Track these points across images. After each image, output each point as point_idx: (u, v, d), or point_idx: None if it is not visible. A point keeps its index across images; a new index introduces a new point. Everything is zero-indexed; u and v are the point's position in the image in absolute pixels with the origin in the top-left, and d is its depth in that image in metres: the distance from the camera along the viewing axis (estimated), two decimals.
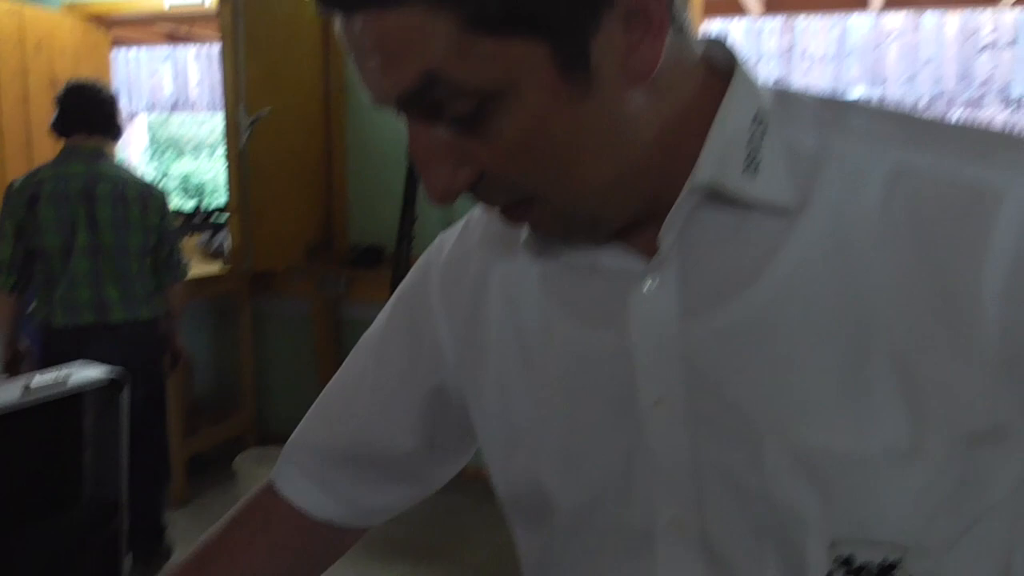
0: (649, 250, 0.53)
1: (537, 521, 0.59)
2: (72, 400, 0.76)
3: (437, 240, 0.70)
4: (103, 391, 0.78)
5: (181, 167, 10.01)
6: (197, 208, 4.04)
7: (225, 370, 4.01)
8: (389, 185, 3.51)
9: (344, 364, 0.74)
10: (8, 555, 0.73)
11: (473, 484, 3.33)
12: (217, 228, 3.89)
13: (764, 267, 0.50)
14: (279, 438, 3.25)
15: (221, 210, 3.91)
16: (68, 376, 0.73)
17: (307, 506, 0.71)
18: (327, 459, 0.71)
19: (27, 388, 0.70)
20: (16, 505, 0.75)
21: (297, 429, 0.75)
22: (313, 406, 0.75)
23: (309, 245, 3.69)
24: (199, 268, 3.54)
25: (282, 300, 3.85)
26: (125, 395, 0.80)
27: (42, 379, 0.71)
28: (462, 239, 0.67)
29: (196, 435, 3.57)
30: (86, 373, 0.75)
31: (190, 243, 3.73)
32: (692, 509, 0.52)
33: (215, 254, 3.81)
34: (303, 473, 0.72)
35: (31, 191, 2.56)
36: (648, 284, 0.53)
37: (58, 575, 0.78)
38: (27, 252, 2.59)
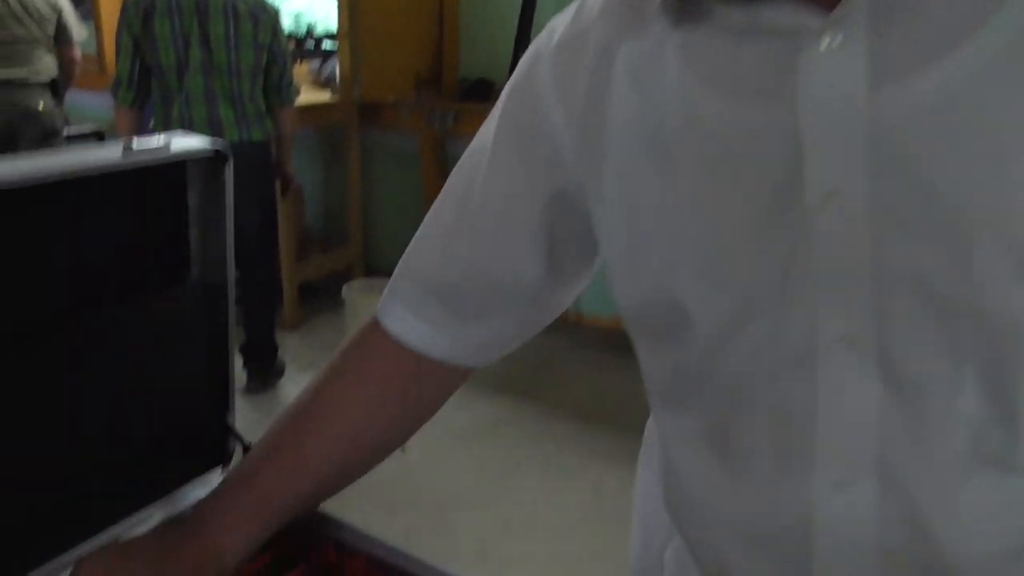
0: (827, 3, 0.41)
1: (668, 339, 0.50)
2: (175, 169, 0.71)
3: (546, 27, 0.58)
4: (207, 162, 0.72)
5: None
6: (308, 33, 3.97)
7: (334, 202, 4.06)
8: (503, 16, 3.32)
9: (447, 184, 0.65)
10: (112, 329, 0.70)
11: (574, 329, 3.35)
12: (327, 56, 3.82)
13: (978, 25, 0.38)
14: (385, 271, 3.32)
15: (331, 36, 3.82)
16: (169, 142, 0.67)
17: (415, 342, 0.65)
18: (434, 291, 0.64)
19: (128, 149, 0.64)
20: (120, 277, 0.71)
21: (401, 262, 0.67)
22: (416, 235, 0.66)
23: (418, 78, 3.59)
24: (309, 95, 3.51)
25: (390, 134, 3.80)
26: (229, 171, 0.74)
27: (143, 142, 0.65)
28: (577, 18, 0.55)
29: (306, 263, 3.66)
30: (188, 141, 0.69)
31: (301, 70, 3.67)
32: (869, 323, 0.42)
33: (325, 83, 3.77)
34: (409, 308, 0.65)
35: (146, 5, 2.54)
36: (827, 41, 0.41)
37: (163, 356, 0.76)
38: (144, 68, 2.60)
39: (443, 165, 3.72)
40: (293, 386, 3.08)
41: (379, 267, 3.98)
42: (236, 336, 0.79)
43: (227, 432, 0.82)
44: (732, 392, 0.48)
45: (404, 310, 0.64)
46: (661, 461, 0.59)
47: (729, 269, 0.46)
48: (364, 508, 0.72)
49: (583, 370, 3.29)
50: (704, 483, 0.51)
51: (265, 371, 2.99)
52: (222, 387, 0.81)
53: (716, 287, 0.46)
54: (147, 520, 0.79)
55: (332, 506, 0.77)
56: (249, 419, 3.20)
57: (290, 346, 3.33)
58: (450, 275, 0.63)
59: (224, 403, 0.81)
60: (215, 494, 0.66)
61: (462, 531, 2.35)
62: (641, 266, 0.49)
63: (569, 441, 2.81)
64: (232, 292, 0.78)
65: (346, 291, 3.29)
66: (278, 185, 2.93)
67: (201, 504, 0.66)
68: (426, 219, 0.65)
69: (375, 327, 0.67)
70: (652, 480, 0.67)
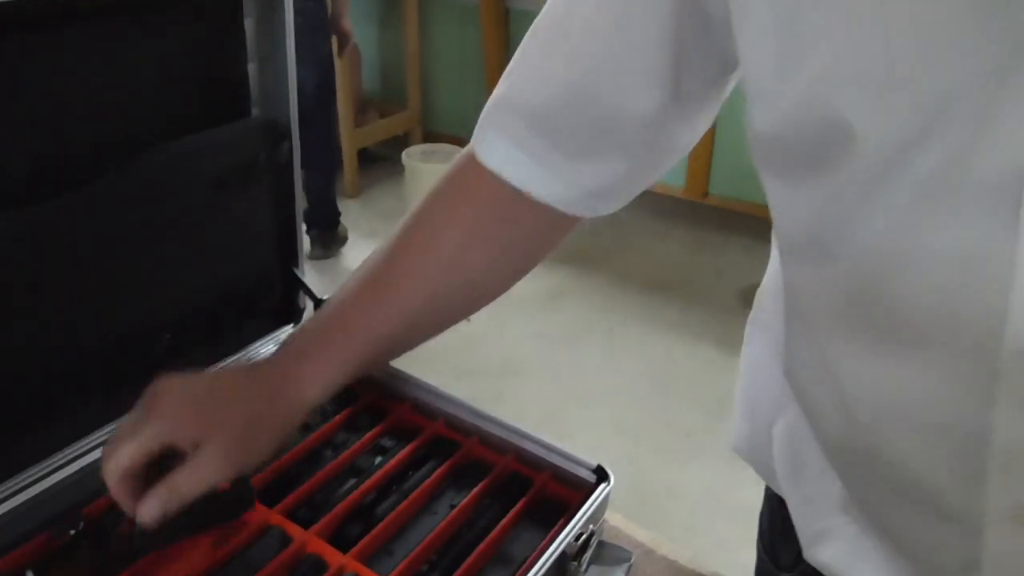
0: None
1: (819, 168, 0.40)
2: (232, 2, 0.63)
3: None
4: None
5: None
6: None
7: (391, 65, 3.92)
8: None
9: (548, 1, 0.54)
10: (175, 166, 0.65)
11: (640, 197, 3.22)
12: None
13: None
14: (445, 136, 3.21)
15: None
16: None
17: (513, 176, 0.56)
18: (536, 122, 0.54)
19: None
20: (181, 109, 0.65)
21: (500, 85, 0.57)
22: (516, 56, 0.56)
23: None
24: None
25: None
26: (287, 1, 0.65)
27: None
28: None
29: (364, 128, 3.58)
30: None
31: None
32: None
33: None
34: (508, 137, 0.56)
35: None
36: None
37: (228, 200, 0.70)
38: None
39: (504, 22, 3.53)
40: (356, 253, 3.07)
41: (438, 132, 3.87)
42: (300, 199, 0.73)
43: (297, 287, 0.78)
44: (896, 236, 0.39)
45: (501, 139, 0.56)
46: (786, 329, 0.51)
47: (918, 69, 0.36)
48: (428, 377, 0.67)
49: (649, 241, 3.21)
50: (848, 353, 0.43)
51: (328, 238, 2.98)
52: (290, 239, 0.76)
53: (896, 92, 0.36)
54: None
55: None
56: (314, 285, 3.25)
57: (351, 214, 3.31)
58: (553, 103, 0.53)
59: (293, 256, 0.76)
60: (304, 328, 0.62)
61: (525, 398, 2.36)
62: (793, 74, 0.40)
63: (633, 312, 2.77)
64: (296, 135, 0.71)
65: (405, 157, 3.21)
66: (334, 42, 2.81)
67: (291, 337, 0.62)
68: (525, 39, 0.56)
69: (471, 159, 0.59)
70: (764, 353, 0.61)
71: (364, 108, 3.79)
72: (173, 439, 0.53)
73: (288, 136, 0.69)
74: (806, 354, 0.48)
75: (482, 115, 0.58)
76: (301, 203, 0.74)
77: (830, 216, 0.41)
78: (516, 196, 0.56)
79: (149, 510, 0.51)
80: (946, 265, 0.37)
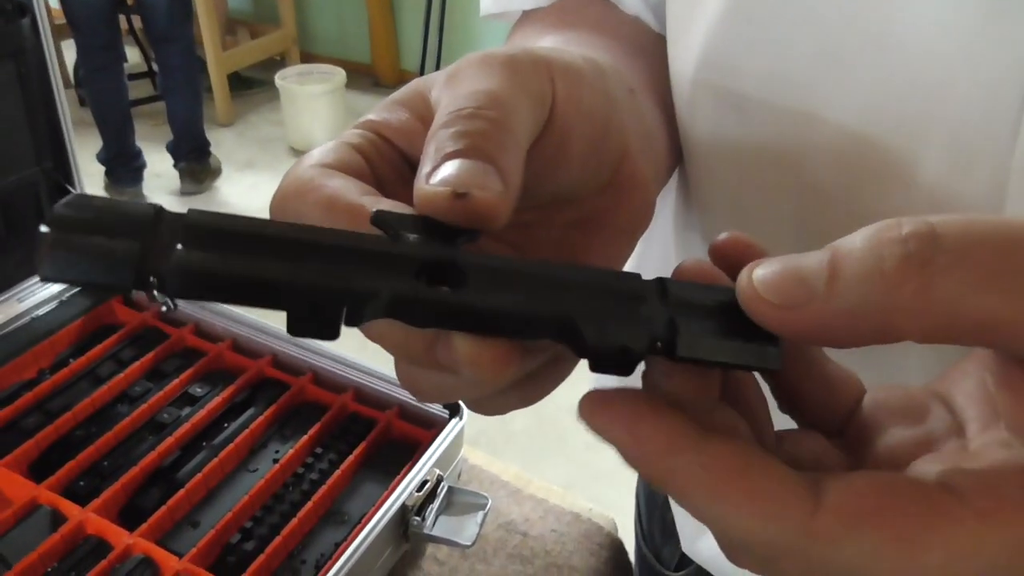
0: None
1: None
2: None
3: None
4: None
5: None
6: None
7: None
8: None
9: None
10: None
11: None
12: None
13: None
14: (324, 57, 2.98)
15: None
16: None
17: None
18: None
19: None
20: None
21: None
22: None
23: None
24: None
25: None
26: None
27: None
28: None
29: (234, 50, 3.29)
30: None
31: None
32: None
33: None
34: None
35: None
36: None
37: None
38: None
39: None
40: (231, 187, 2.85)
41: (317, 53, 3.61)
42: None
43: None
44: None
45: None
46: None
47: None
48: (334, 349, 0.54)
49: None
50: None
51: (198, 170, 2.74)
52: (57, 148, 0.61)
53: None
54: None
55: None
56: None
57: (224, 144, 3.06)
58: None
59: (63, 169, 0.61)
60: None
61: None
62: None
63: None
64: (43, 11, 0.56)
65: (279, 79, 2.97)
66: None
67: None
68: None
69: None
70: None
71: (233, 28, 3.49)
72: None
73: (27, 11, 0.54)
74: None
75: None
76: (64, 102, 0.59)
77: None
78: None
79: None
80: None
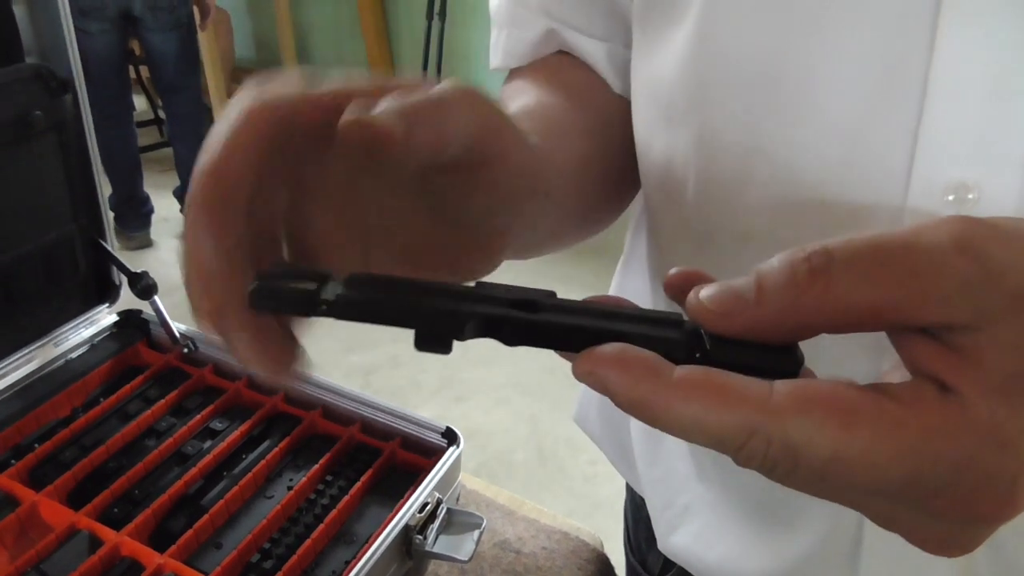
0: None
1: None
2: None
3: None
4: None
5: None
6: None
7: (265, 31, 3.72)
8: None
9: None
10: None
11: None
12: None
13: None
14: None
15: None
16: None
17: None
18: None
19: None
20: None
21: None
22: None
23: None
24: None
25: None
26: None
27: None
28: None
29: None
30: None
31: None
32: None
33: None
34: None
35: None
36: None
37: (11, 166, 0.61)
38: None
39: None
40: None
41: None
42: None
43: (107, 261, 0.70)
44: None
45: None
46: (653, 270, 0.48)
47: None
48: (314, 351, 0.59)
49: None
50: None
51: None
52: (92, 208, 0.67)
53: None
54: (29, 361, 0.68)
55: None
56: None
57: None
58: None
59: (97, 226, 0.68)
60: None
61: (421, 363, 2.31)
62: None
63: (533, 270, 2.74)
64: (83, 88, 0.63)
65: None
66: (196, 11, 2.63)
67: None
68: None
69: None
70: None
71: (238, 76, 3.59)
72: None
73: (69, 88, 0.61)
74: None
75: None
76: (99, 168, 0.66)
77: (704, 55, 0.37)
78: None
79: None
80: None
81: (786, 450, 0.20)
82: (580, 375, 0.21)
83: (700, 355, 0.22)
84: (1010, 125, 0.30)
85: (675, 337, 0.22)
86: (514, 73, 0.49)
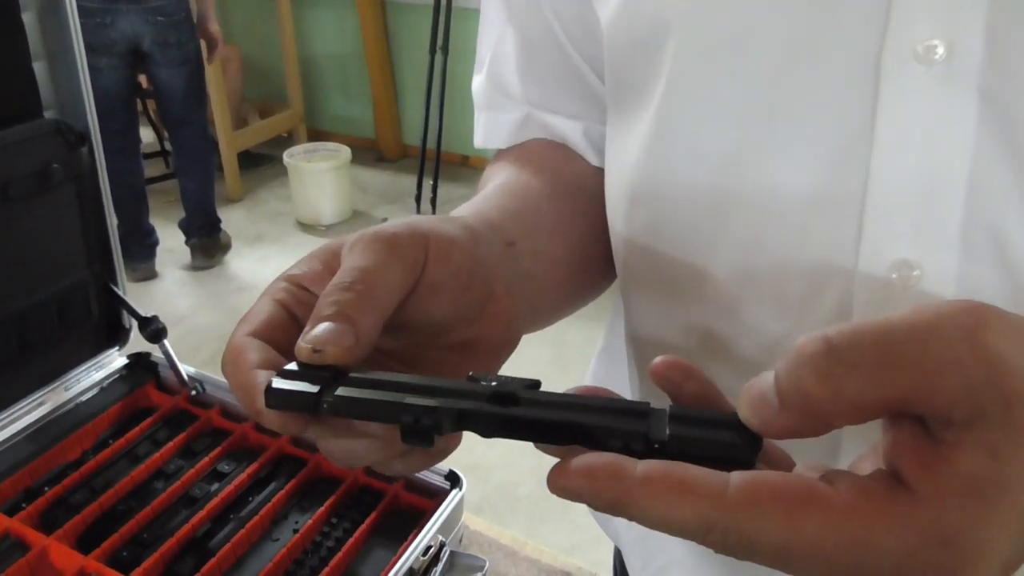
0: None
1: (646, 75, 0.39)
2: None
3: None
4: None
5: None
6: None
7: (270, 62, 3.78)
8: None
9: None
10: None
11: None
12: None
13: None
14: (328, 133, 3.09)
15: None
16: None
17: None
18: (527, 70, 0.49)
19: None
20: None
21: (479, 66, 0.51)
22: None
23: None
24: None
25: None
26: None
27: None
28: None
29: (244, 129, 3.44)
30: None
31: None
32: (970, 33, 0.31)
33: None
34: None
35: None
36: None
37: (26, 213, 0.63)
38: None
39: (382, 15, 3.45)
40: (241, 260, 2.95)
41: (322, 128, 3.76)
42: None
43: (118, 305, 0.71)
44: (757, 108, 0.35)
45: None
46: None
47: None
48: None
49: None
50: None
51: (209, 246, 2.85)
52: (104, 253, 0.69)
53: None
54: (40, 405, 0.69)
55: None
56: (198, 296, 3.08)
57: (234, 219, 3.17)
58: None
59: (109, 271, 0.70)
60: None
61: None
62: None
63: None
64: (97, 139, 0.65)
65: (287, 157, 3.10)
66: (203, 45, 2.68)
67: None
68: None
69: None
70: (613, 373, 0.58)
71: (243, 108, 3.64)
72: None
73: (86, 141, 0.63)
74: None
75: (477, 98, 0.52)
76: (112, 214, 0.68)
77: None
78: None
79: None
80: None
81: (742, 540, 0.21)
82: (554, 490, 0.23)
83: (659, 446, 0.23)
84: (944, 211, 0.32)
85: (636, 429, 0.23)
86: (500, 153, 0.51)
